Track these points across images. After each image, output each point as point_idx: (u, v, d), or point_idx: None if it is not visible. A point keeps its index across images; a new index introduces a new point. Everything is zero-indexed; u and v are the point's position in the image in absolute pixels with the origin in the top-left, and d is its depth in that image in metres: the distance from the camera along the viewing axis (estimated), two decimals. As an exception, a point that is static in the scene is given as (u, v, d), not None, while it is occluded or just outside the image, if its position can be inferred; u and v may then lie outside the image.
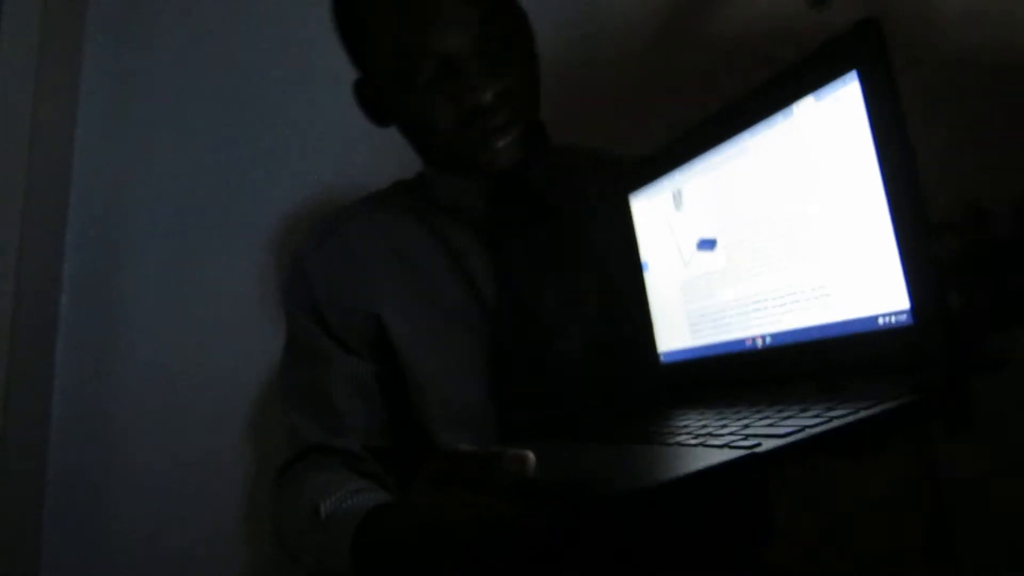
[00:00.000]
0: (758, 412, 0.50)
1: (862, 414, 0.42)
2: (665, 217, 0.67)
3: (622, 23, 1.08)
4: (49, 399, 1.12)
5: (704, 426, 0.51)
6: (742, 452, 0.41)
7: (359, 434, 0.76)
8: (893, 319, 0.49)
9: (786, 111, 0.54)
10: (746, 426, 0.47)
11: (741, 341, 0.61)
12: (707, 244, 0.62)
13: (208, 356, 1.13)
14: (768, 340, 0.59)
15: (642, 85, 1.06)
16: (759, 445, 0.42)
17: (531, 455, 0.45)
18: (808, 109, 0.53)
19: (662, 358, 0.71)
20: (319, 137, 1.16)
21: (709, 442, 0.45)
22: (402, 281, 0.78)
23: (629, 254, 0.72)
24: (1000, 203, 0.54)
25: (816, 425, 0.42)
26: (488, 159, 0.73)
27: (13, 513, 1.06)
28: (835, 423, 0.42)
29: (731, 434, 0.46)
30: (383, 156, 0.99)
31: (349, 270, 0.79)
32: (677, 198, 0.66)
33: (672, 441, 0.49)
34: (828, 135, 0.51)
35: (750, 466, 0.40)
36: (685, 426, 0.53)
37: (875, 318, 0.50)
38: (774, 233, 0.56)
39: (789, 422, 0.44)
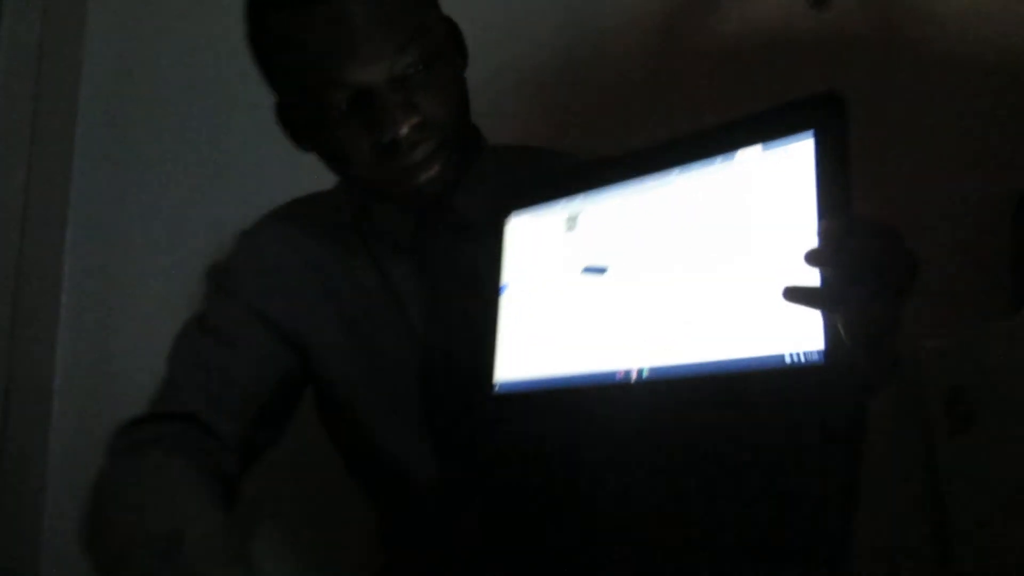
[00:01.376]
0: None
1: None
2: (548, 240, 0.65)
3: (622, 23, 1.06)
4: (50, 398, 1.12)
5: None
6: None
7: (240, 426, 0.70)
8: (803, 358, 0.48)
9: (728, 155, 0.55)
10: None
11: (612, 373, 0.56)
12: (596, 270, 0.59)
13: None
14: (645, 373, 0.54)
15: (642, 85, 1.04)
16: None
17: None
18: (752, 156, 0.54)
19: (498, 387, 0.64)
20: None
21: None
22: (330, 308, 0.76)
23: (491, 274, 0.68)
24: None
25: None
26: (410, 193, 0.69)
27: (13, 512, 1.07)
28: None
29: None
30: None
31: (277, 281, 0.76)
32: (571, 222, 0.64)
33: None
34: (768, 183, 0.52)
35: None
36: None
37: (782, 356, 0.48)
38: (681, 267, 0.55)
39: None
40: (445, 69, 0.69)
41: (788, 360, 0.48)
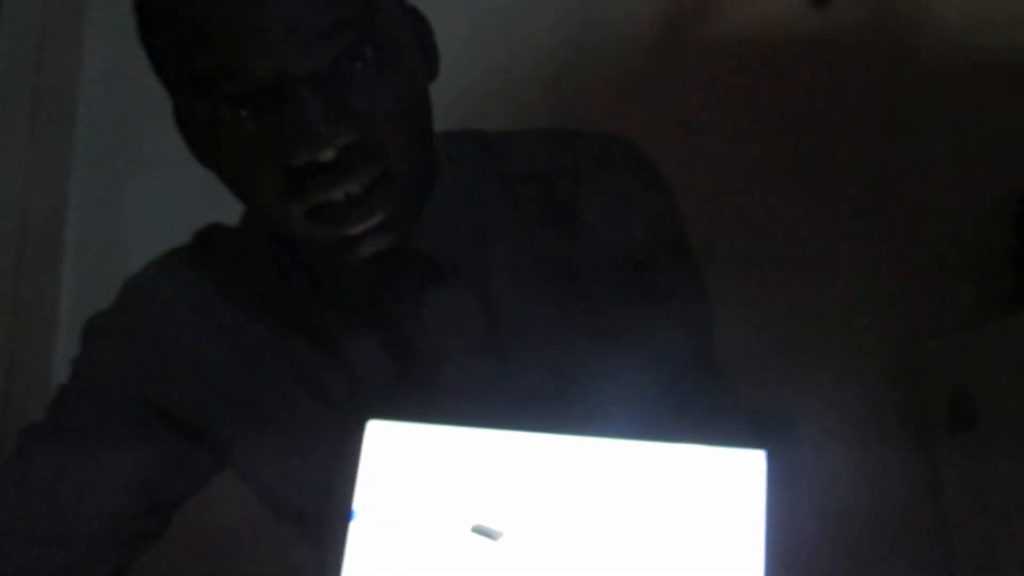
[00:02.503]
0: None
1: None
2: (424, 472, 0.51)
3: (621, 23, 1.04)
4: (49, 397, 1.01)
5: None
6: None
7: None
8: None
9: (671, 443, 0.48)
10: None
11: None
12: (488, 532, 0.50)
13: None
14: None
15: (642, 85, 1.02)
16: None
17: None
18: (697, 452, 0.48)
19: None
20: None
21: None
22: (249, 395, 0.57)
23: (339, 490, 0.50)
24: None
25: None
26: (351, 259, 0.49)
27: None
28: None
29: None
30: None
31: (176, 362, 0.57)
32: (460, 458, 0.51)
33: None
34: (711, 488, 0.47)
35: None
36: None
37: None
38: (599, 551, 0.48)
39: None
40: (400, 72, 0.49)
41: None
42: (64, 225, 1.14)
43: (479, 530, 0.49)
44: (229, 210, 1.09)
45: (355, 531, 0.51)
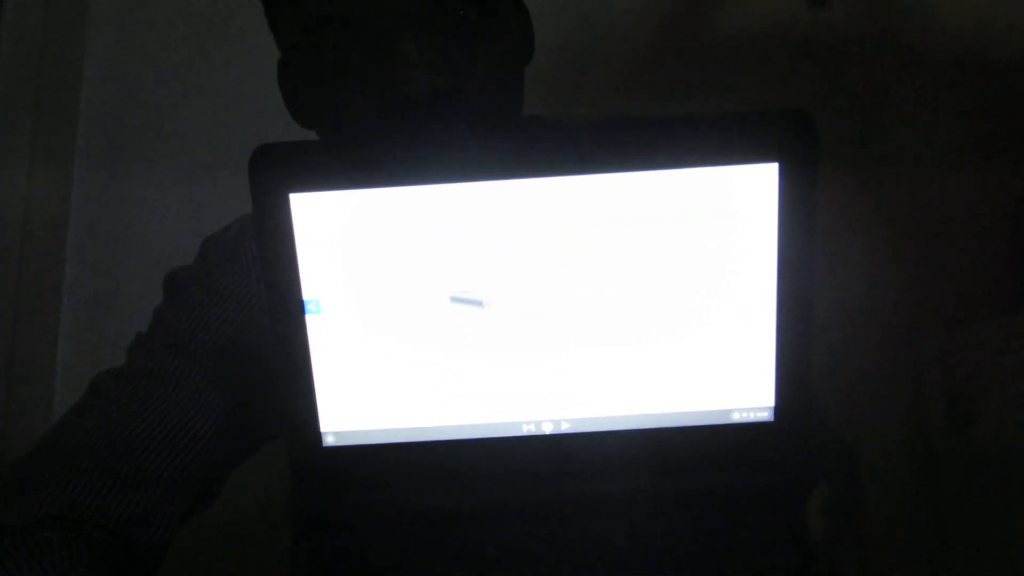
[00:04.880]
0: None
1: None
2: (385, 243, 0.45)
3: (620, 22, 1.04)
4: (51, 399, 1.10)
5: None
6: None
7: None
8: (752, 415, 0.45)
9: (674, 169, 0.43)
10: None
11: (515, 425, 0.46)
12: (469, 302, 0.46)
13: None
14: (565, 426, 0.46)
15: (641, 85, 1.02)
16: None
17: None
18: (702, 176, 0.43)
19: (331, 438, 0.48)
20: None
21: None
22: None
23: (281, 286, 0.46)
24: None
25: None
26: None
27: None
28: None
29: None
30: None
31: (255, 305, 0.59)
32: (429, 221, 0.44)
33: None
34: (718, 210, 0.44)
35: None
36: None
37: (729, 412, 0.45)
38: (602, 299, 0.45)
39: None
40: (500, 40, 0.51)
41: (736, 417, 0.44)
42: (66, 225, 1.14)
43: (463, 300, 0.43)
44: (229, 210, 1.09)
45: (315, 323, 0.46)
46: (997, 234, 0.93)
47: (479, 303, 0.45)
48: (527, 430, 0.45)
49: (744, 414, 0.44)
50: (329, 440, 0.47)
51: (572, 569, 0.44)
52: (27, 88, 1.10)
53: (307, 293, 0.46)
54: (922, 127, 0.97)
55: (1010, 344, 0.76)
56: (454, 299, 0.45)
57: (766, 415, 0.43)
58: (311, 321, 0.46)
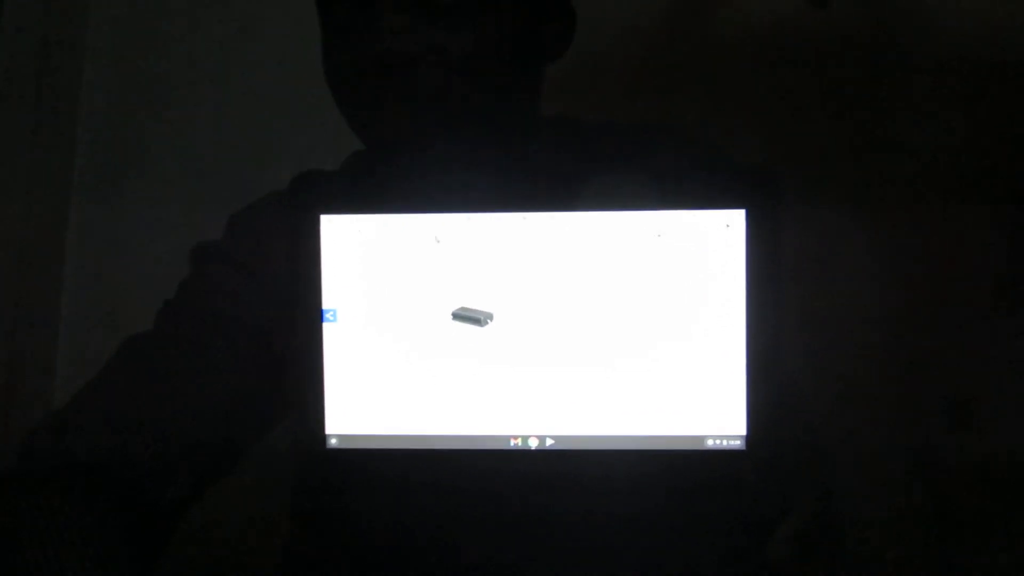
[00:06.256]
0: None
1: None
2: (399, 262, 0.51)
3: (619, 22, 1.02)
4: (50, 399, 1.10)
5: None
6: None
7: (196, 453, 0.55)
8: (725, 443, 0.48)
9: (650, 210, 0.48)
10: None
11: (504, 438, 0.50)
12: (473, 317, 0.50)
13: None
14: (550, 442, 0.50)
15: (641, 85, 1.01)
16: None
17: None
18: (678, 219, 0.48)
19: (334, 440, 0.52)
20: (321, 137, 1.01)
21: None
22: None
23: (306, 294, 0.51)
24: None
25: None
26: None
27: None
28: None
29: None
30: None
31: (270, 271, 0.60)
32: (438, 245, 0.51)
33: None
34: (692, 250, 0.48)
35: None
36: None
37: (704, 438, 0.48)
38: (590, 325, 0.49)
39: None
40: (493, 24, 0.51)
41: (710, 444, 0.47)
42: (66, 225, 1.13)
43: (462, 315, 0.47)
44: (229, 209, 1.11)
45: (331, 331, 0.51)
46: (998, 233, 0.91)
47: (478, 321, 0.49)
48: (514, 444, 0.48)
49: (718, 441, 0.46)
50: (332, 442, 0.51)
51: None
52: (28, 87, 1.08)
53: (327, 303, 0.51)
54: (922, 126, 0.95)
55: (1010, 344, 0.78)
56: (456, 316, 0.49)
57: (738, 443, 0.46)
58: (328, 329, 0.51)
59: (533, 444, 0.48)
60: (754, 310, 0.46)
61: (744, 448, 0.46)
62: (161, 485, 0.52)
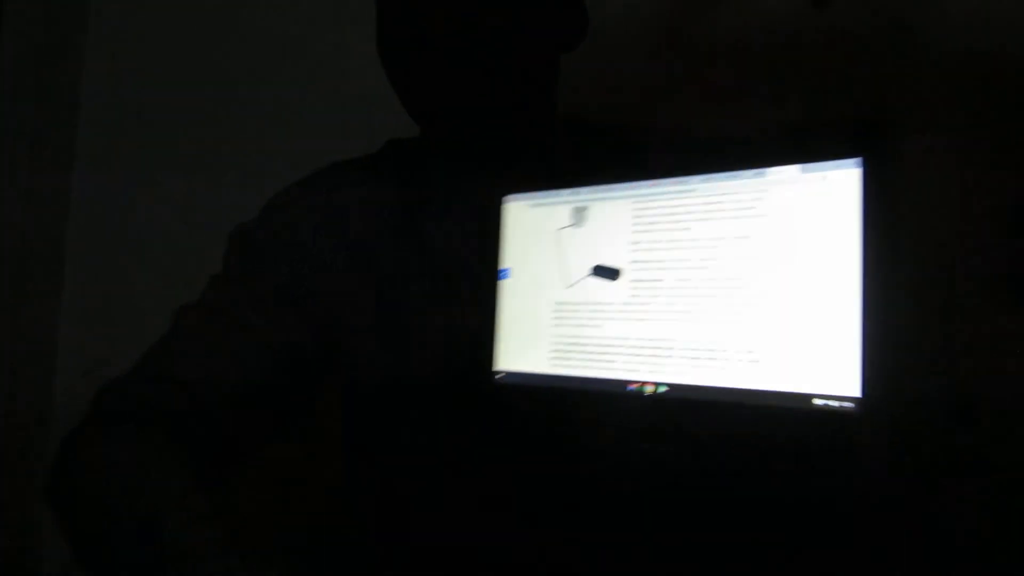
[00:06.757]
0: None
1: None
2: (554, 230, 0.60)
3: (620, 22, 1.05)
4: (50, 400, 1.10)
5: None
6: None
7: (237, 412, 0.63)
8: (835, 404, 0.45)
9: (759, 170, 0.50)
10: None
11: (623, 383, 0.53)
12: (607, 272, 0.56)
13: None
14: (663, 389, 0.51)
15: (641, 85, 1.03)
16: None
17: None
18: (788, 176, 0.49)
19: (502, 376, 0.60)
20: (321, 134, 1.10)
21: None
22: (369, 294, 0.66)
23: (486, 256, 0.60)
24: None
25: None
26: (436, 125, 0.62)
27: (15, 505, 1.03)
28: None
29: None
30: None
31: (308, 259, 0.67)
32: (579, 215, 0.59)
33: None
34: (805, 208, 0.49)
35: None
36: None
37: (809, 397, 0.45)
38: (705, 283, 0.51)
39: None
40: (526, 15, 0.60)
41: (817, 403, 0.44)
42: (66, 225, 1.12)
43: (601, 271, 0.52)
44: (229, 209, 1.04)
45: (506, 286, 0.62)
46: (998, 233, 0.88)
47: (614, 274, 0.54)
48: (631, 388, 0.51)
49: (825, 402, 0.43)
50: (499, 377, 0.60)
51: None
52: (28, 87, 1.07)
53: (503, 263, 0.61)
54: (923, 126, 0.91)
55: (1010, 344, 0.78)
56: (595, 270, 0.55)
57: (852, 406, 0.42)
58: (502, 284, 0.61)
59: (648, 391, 0.50)
60: (870, 263, 0.43)
61: (857, 410, 0.42)
62: (213, 431, 0.60)
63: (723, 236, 0.50)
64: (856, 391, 0.43)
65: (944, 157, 0.92)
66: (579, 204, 0.59)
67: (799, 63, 0.99)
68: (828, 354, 0.44)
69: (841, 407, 0.43)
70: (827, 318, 0.45)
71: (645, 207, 0.55)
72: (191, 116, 1.14)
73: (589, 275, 0.55)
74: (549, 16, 0.63)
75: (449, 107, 0.60)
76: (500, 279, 0.61)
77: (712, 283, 0.50)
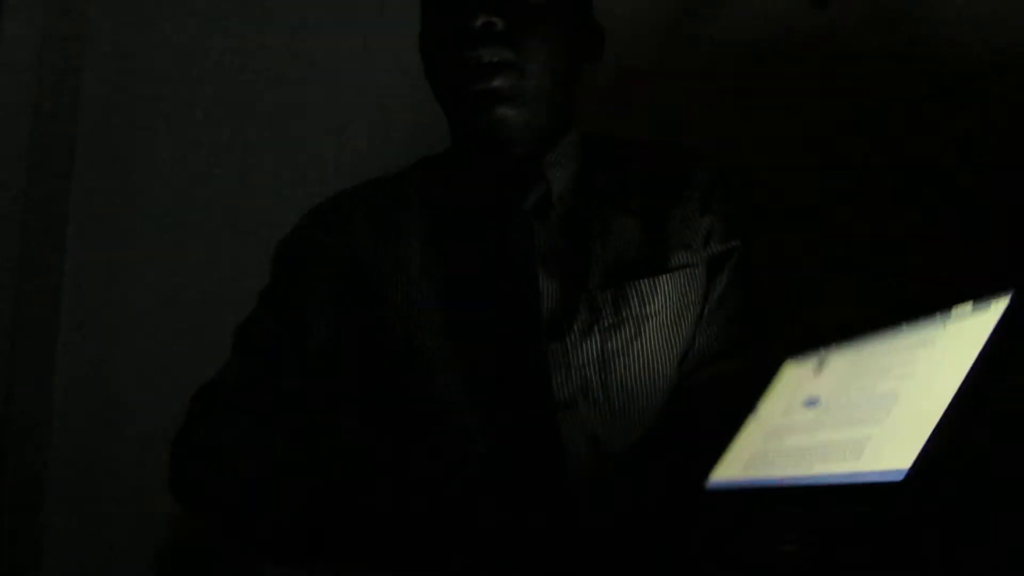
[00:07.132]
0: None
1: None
2: (797, 378, 0.66)
3: (621, 23, 1.00)
4: (50, 395, 1.11)
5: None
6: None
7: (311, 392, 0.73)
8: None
9: (945, 313, 0.52)
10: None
11: (777, 479, 0.58)
12: (812, 402, 0.61)
13: (210, 349, 1.03)
14: (790, 481, 0.56)
15: (641, 85, 1.04)
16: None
17: None
18: (964, 314, 0.51)
19: (709, 484, 0.65)
20: (321, 131, 1.15)
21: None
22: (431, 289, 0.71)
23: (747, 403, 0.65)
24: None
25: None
26: (481, 122, 0.67)
27: (15, 504, 1.07)
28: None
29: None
30: (388, 148, 1.06)
31: (347, 254, 0.74)
32: (820, 365, 0.64)
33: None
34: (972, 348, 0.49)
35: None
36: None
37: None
38: (865, 401, 0.54)
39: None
40: (559, 27, 0.67)
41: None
42: (66, 225, 1.13)
43: (808, 403, 0.60)
44: (227, 209, 1.11)
45: (751, 421, 0.68)
46: (999, 233, 0.88)
47: (816, 402, 0.60)
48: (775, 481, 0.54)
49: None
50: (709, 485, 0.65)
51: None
52: (28, 87, 1.09)
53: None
54: (923, 126, 0.94)
55: None
56: (806, 401, 0.62)
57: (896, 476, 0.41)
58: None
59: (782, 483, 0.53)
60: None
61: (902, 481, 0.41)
62: (289, 413, 0.68)
63: (905, 378, 0.52)
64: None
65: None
66: (822, 357, 0.64)
67: (798, 63, 0.99)
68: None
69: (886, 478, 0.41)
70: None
71: (865, 357, 0.59)
72: (191, 116, 1.17)
73: (801, 406, 0.60)
74: (578, 28, 0.72)
75: (503, 124, 0.67)
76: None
77: (868, 399, 0.53)
